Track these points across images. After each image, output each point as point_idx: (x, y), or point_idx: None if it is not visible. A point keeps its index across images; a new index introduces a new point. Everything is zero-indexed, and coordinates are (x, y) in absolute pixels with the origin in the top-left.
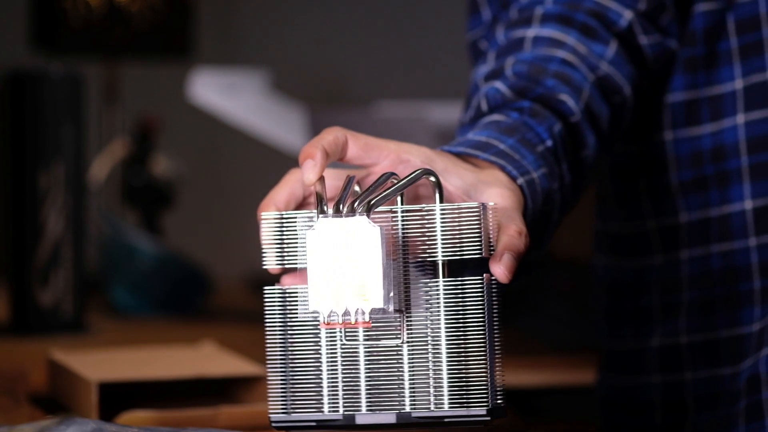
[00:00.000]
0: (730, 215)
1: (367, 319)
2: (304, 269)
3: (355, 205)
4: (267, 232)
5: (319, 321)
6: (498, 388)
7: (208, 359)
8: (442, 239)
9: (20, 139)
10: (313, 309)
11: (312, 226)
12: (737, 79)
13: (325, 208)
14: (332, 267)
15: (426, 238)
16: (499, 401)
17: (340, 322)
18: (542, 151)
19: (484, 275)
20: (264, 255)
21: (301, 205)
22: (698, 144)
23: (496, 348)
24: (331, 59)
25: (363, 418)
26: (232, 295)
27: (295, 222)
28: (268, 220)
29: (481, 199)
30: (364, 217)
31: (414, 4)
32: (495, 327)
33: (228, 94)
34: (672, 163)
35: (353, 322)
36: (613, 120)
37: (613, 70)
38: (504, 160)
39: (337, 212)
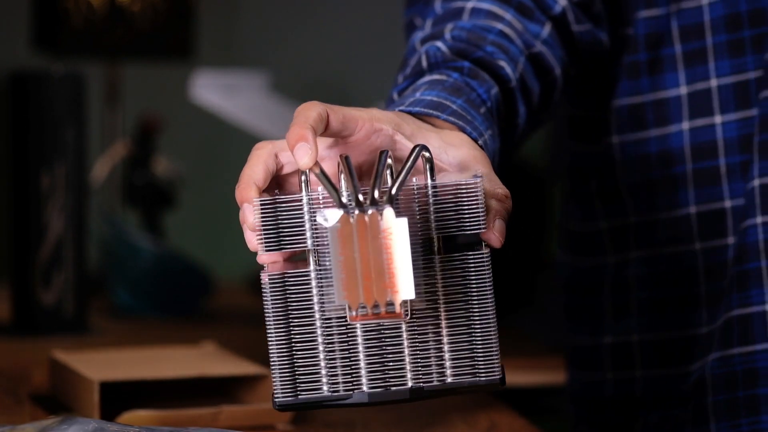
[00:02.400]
0: (678, 219)
1: (397, 311)
2: (292, 252)
3: (376, 195)
4: (262, 217)
5: (317, 303)
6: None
7: (208, 359)
8: (443, 216)
9: (22, 140)
10: (340, 303)
11: (322, 212)
12: (681, 86)
13: (343, 198)
14: (358, 259)
15: (427, 216)
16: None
17: (370, 314)
18: (484, 113)
19: (484, 246)
20: (259, 240)
21: (274, 179)
22: (645, 148)
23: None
24: (330, 61)
25: (374, 395)
26: (232, 295)
27: (289, 205)
28: (263, 204)
29: (452, 162)
30: (389, 208)
31: None
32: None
33: (228, 95)
34: (620, 166)
35: (383, 313)
36: (542, 98)
37: (547, 50)
38: (461, 120)
39: (359, 204)
